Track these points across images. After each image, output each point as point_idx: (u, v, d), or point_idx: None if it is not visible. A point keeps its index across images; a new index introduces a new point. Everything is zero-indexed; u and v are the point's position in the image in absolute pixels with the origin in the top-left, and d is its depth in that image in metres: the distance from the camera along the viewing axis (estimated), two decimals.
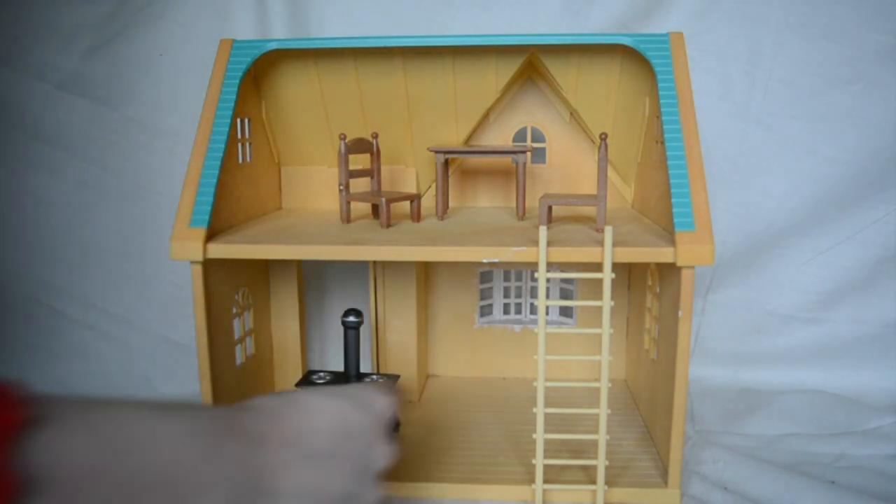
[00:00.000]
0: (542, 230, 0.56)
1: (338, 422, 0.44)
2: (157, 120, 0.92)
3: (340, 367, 0.70)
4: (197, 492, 0.36)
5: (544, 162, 0.82)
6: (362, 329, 0.70)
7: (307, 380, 0.69)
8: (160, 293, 0.94)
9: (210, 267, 0.61)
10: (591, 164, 0.81)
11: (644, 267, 0.73)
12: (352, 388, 0.48)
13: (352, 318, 0.67)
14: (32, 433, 0.30)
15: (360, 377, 0.69)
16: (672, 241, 0.57)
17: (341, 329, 0.69)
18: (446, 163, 0.71)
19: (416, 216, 0.71)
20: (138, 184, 0.94)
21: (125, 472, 0.33)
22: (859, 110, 0.86)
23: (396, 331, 0.80)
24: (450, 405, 0.79)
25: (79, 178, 0.94)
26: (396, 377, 0.71)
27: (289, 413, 0.43)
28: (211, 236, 0.61)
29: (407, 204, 0.72)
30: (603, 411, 0.58)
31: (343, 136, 0.68)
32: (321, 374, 0.70)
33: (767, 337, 0.90)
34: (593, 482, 0.59)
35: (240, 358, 0.71)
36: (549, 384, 0.58)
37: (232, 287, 0.69)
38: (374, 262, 0.78)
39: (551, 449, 0.62)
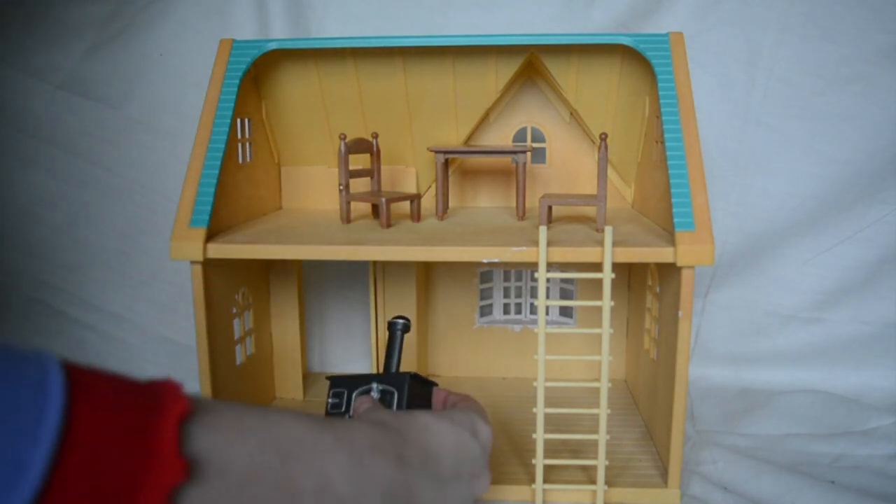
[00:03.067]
0: (542, 230, 0.56)
1: (454, 447, 0.45)
2: (158, 120, 0.92)
3: (341, 369, 0.70)
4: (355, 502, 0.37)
5: (544, 162, 0.82)
6: (362, 329, 0.70)
7: (355, 385, 0.65)
8: (160, 293, 0.94)
9: (210, 267, 0.61)
10: (591, 164, 0.81)
11: (644, 267, 0.73)
12: (459, 415, 0.49)
13: (402, 321, 0.66)
14: (197, 425, 0.30)
15: (398, 378, 0.66)
16: (672, 241, 0.57)
17: (341, 329, 0.69)
18: (446, 163, 0.71)
19: (416, 216, 0.71)
20: (138, 184, 0.94)
21: (283, 476, 0.34)
22: (859, 110, 0.86)
23: None
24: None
25: (79, 178, 0.94)
26: (434, 384, 0.69)
27: (415, 434, 0.44)
28: (211, 236, 0.61)
29: (407, 204, 0.72)
30: (603, 411, 0.58)
31: (343, 136, 0.68)
32: (374, 383, 0.67)
33: (767, 337, 0.90)
34: (593, 482, 0.59)
35: (240, 358, 0.71)
36: (549, 384, 0.58)
37: (232, 287, 0.69)
38: (374, 262, 0.78)
39: (551, 449, 0.62)
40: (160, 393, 0.30)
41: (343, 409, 0.64)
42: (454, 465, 0.45)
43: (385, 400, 0.62)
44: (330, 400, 0.66)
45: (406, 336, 0.80)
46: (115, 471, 0.26)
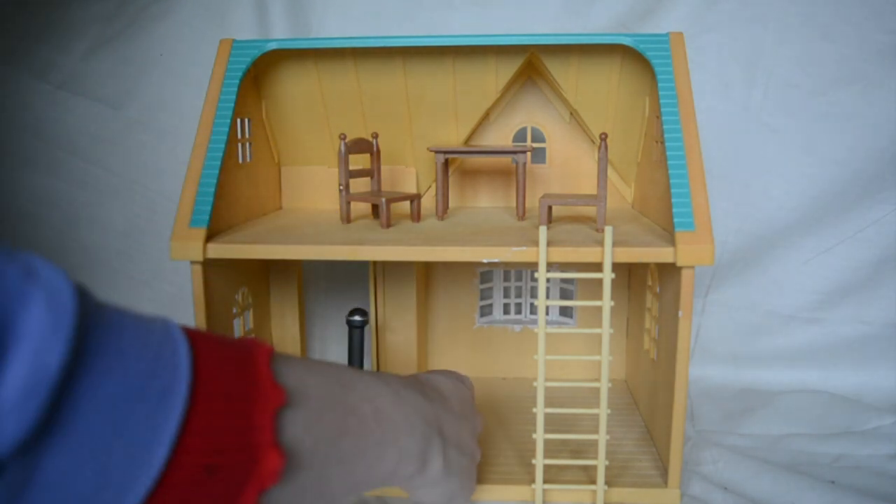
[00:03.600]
0: (542, 230, 0.56)
1: (454, 389, 0.54)
2: (158, 120, 0.92)
3: None
4: (399, 424, 0.45)
5: (544, 162, 0.82)
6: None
7: None
8: (160, 293, 0.94)
9: (210, 267, 0.61)
10: (591, 164, 0.81)
11: (644, 267, 0.73)
12: (443, 371, 0.57)
13: (357, 318, 0.68)
14: (279, 364, 0.37)
15: None
16: (672, 241, 0.57)
17: (341, 329, 0.69)
18: (446, 163, 0.71)
19: (416, 216, 0.71)
20: (138, 184, 0.94)
21: (350, 401, 0.42)
22: (859, 110, 0.86)
23: (396, 331, 0.80)
24: None
25: (79, 178, 0.94)
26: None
27: (432, 382, 0.53)
28: (211, 236, 0.61)
29: (407, 204, 0.72)
30: (603, 411, 0.58)
31: (343, 136, 0.68)
32: None
33: (767, 337, 0.90)
34: (593, 482, 0.59)
35: None
36: (549, 384, 0.58)
37: (232, 287, 0.69)
38: (374, 262, 0.78)
39: (551, 449, 0.62)
40: (249, 344, 0.37)
41: None
42: (460, 405, 0.53)
43: None
44: None
45: (406, 336, 0.80)
46: (234, 398, 0.33)
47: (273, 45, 0.69)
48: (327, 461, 0.38)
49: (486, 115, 0.80)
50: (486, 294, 0.87)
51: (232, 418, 0.32)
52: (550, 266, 0.59)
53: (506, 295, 0.87)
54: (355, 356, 0.69)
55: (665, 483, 0.60)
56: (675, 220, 0.57)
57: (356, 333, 0.68)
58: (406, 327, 0.79)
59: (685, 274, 0.56)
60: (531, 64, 0.76)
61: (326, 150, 0.80)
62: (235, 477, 0.32)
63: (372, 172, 0.73)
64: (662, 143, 0.62)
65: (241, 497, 0.32)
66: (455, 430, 0.50)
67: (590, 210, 0.74)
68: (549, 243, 0.57)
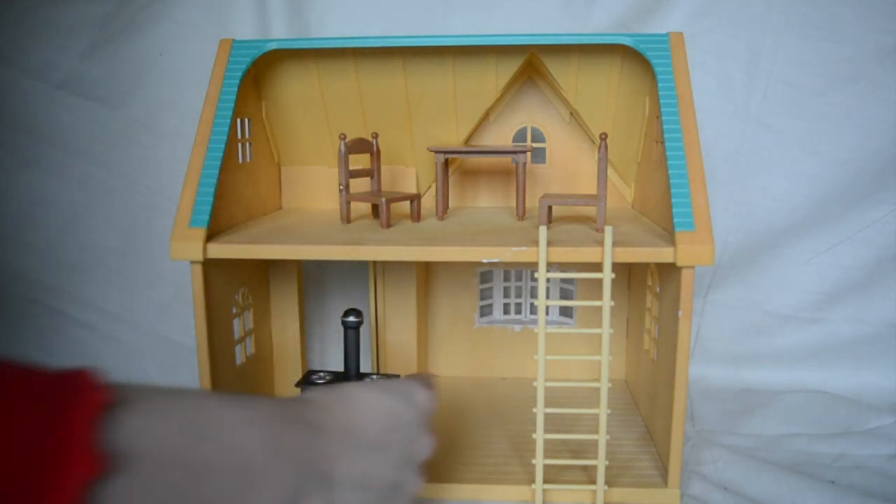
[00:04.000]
0: (542, 230, 0.56)
1: (385, 415, 0.46)
2: (157, 120, 0.92)
3: (340, 367, 0.71)
4: (266, 476, 0.38)
5: (544, 162, 0.82)
6: (362, 329, 0.70)
7: (307, 380, 0.69)
8: (160, 293, 0.94)
9: (210, 267, 0.61)
10: (591, 164, 0.81)
11: (644, 267, 0.73)
12: (396, 384, 0.50)
13: (352, 318, 0.68)
14: (115, 414, 0.31)
15: (359, 377, 0.69)
16: (672, 241, 0.57)
17: (341, 329, 0.69)
18: (446, 163, 0.71)
19: (416, 216, 0.71)
20: (138, 184, 0.93)
21: (202, 455, 0.35)
22: (859, 110, 0.86)
23: (396, 331, 0.80)
24: (450, 405, 0.78)
25: (79, 178, 0.94)
26: (396, 377, 0.71)
27: (342, 406, 0.45)
28: (211, 236, 0.61)
29: (407, 204, 0.72)
30: (603, 411, 0.58)
31: (343, 136, 0.68)
32: (321, 373, 0.70)
33: (767, 337, 0.90)
34: (593, 482, 0.59)
35: (240, 358, 0.71)
36: (549, 384, 0.58)
37: (232, 287, 0.69)
38: (374, 262, 0.78)
39: (551, 449, 0.62)
40: (73, 385, 0.30)
41: None
42: (383, 432, 0.46)
43: None
44: None
45: (406, 336, 0.81)
46: (25, 469, 0.26)
47: (273, 45, 0.69)
48: None
49: (486, 115, 0.80)
50: (486, 294, 0.87)
51: (22, 497, 0.26)
52: (550, 266, 0.59)
53: (506, 295, 0.87)
54: (351, 357, 0.69)
55: (665, 483, 0.60)
56: (675, 220, 0.57)
57: (351, 334, 0.68)
58: (406, 327, 0.79)
59: (685, 274, 0.56)
60: (531, 64, 0.76)
61: (326, 150, 0.80)
62: None
63: (372, 172, 0.73)
64: (662, 143, 0.62)
65: None
66: (355, 467, 0.43)
67: (590, 210, 0.74)
68: (549, 243, 0.57)
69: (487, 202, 0.83)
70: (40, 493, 0.27)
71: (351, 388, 0.47)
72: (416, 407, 0.48)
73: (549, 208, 0.65)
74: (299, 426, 0.42)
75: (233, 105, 0.66)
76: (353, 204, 0.70)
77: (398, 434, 0.46)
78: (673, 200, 0.58)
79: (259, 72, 0.73)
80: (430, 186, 0.81)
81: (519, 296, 0.87)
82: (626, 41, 0.67)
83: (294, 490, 0.40)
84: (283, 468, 0.39)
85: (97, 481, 0.29)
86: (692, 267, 0.56)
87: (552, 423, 0.61)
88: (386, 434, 0.46)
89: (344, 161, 0.68)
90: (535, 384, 0.58)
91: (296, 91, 0.75)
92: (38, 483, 0.27)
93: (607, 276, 0.56)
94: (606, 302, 0.57)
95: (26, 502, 0.26)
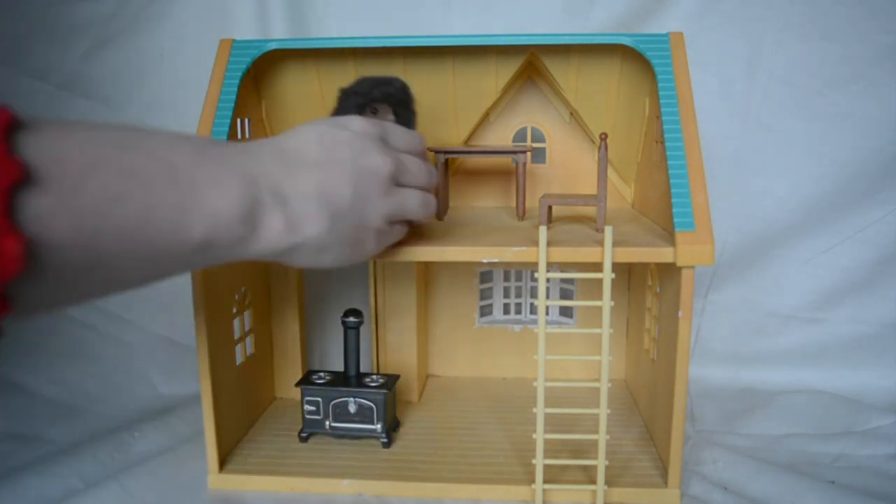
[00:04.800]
0: (542, 230, 0.56)
1: (318, 136, 0.47)
2: (157, 120, 0.92)
3: (340, 367, 0.71)
4: (207, 183, 0.38)
5: (544, 162, 0.82)
6: (362, 329, 0.70)
7: (307, 380, 0.69)
8: (160, 293, 0.93)
9: (210, 267, 0.61)
10: (591, 164, 0.81)
11: (644, 267, 0.73)
12: (331, 119, 0.50)
13: (352, 319, 0.68)
14: (30, 132, 0.31)
15: (360, 377, 0.69)
16: (672, 241, 0.57)
17: (341, 329, 0.69)
18: (446, 163, 0.71)
19: None
20: None
21: (127, 161, 0.34)
22: (859, 110, 0.86)
23: (396, 331, 0.80)
24: (450, 405, 0.79)
25: None
26: (396, 377, 0.71)
27: (269, 138, 0.47)
28: None
29: None
30: (603, 411, 0.58)
31: None
32: (321, 373, 0.70)
33: (767, 337, 0.90)
34: (593, 482, 0.59)
35: (240, 358, 0.71)
36: (549, 384, 0.58)
37: (232, 287, 0.69)
38: (374, 262, 0.78)
39: (551, 449, 0.62)
40: None
41: (321, 417, 0.67)
42: (320, 149, 0.46)
43: (363, 414, 0.66)
44: (306, 407, 0.68)
45: (406, 336, 0.81)
46: None
47: (273, 45, 0.69)
48: (99, 237, 0.33)
49: (486, 115, 0.80)
50: (486, 294, 0.87)
51: None
52: (550, 266, 0.59)
53: (506, 295, 0.87)
54: (350, 357, 0.69)
55: (665, 483, 0.60)
56: (675, 220, 0.57)
57: (351, 334, 0.69)
58: (406, 327, 0.79)
59: (685, 274, 0.56)
60: (531, 64, 0.76)
61: None
62: None
63: None
64: (662, 143, 0.62)
65: None
66: (305, 182, 0.44)
67: (590, 210, 0.74)
68: (549, 243, 0.57)
69: (487, 202, 0.83)
70: None
71: (290, 129, 0.48)
72: (353, 129, 0.48)
73: (549, 208, 0.65)
74: (227, 145, 0.42)
75: (233, 105, 0.66)
76: None
77: (340, 150, 0.46)
78: (673, 200, 0.58)
79: (259, 72, 0.73)
80: None
81: (519, 296, 0.87)
82: (626, 41, 0.67)
83: (247, 198, 0.40)
84: (224, 174, 0.39)
85: (20, 188, 0.29)
86: (692, 267, 0.56)
87: (552, 423, 0.61)
88: (325, 150, 0.46)
89: None
90: (535, 384, 0.58)
91: (296, 91, 0.75)
92: None
93: (607, 276, 0.56)
94: (606, 302, 0.57)
95: None
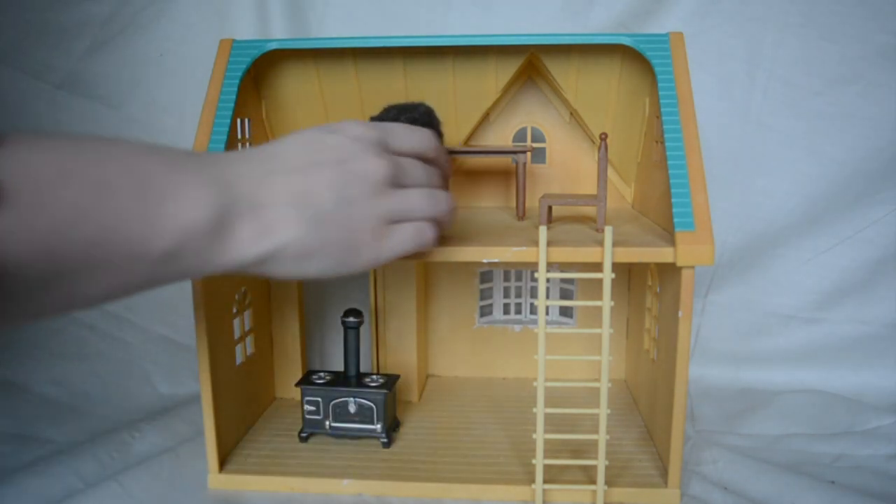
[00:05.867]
0: (542, 230, 0.56)
1: (305, 141, 0.46)
2: (157, 120, 0.92)
3: (340, 367, 0.71)
4: (177, 191, 0.37)
5: (544, 162, 0.82)
6: (362, 329, 0.70)
7: (307, 380, 0.69)
8: (160, 293, 0.93)
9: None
10: (591, 164, 0.81)
11: (644, 267, 0.73)
12: (325, 126, 0.50)
13: (352, 319, 0.68)
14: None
15: (360, 377, 0.69)
16: (672, 241, 0.57)
17: (341, 329, 0.69)
18: None
19: None
20: None
21: (97, 174, 0.34)
22: (859, 110, 0.86)
23: (396, 331, 0.80)
24: (450, 405, 0.79)
25: None
26: (396, 377, 0.71)
27: (253, 147, 0.46)
28: None
29: None
30: (603, 411, 0.58)
31: None
32: (321, 373, 0.70)
33: (767, 337, 0.90)
34: (593, 482, 0.59)
35: (240, 358, 0.71)
36: (549, 384, 0.58)
37: (232, 287, 0.69)
38: None
39: (551, 449, 0.62)
40: None
41: (321, 417, 0.67)
42: (306, 154, 0.45)
43: (363, 414, 0.66)
44: (306, 407, 0.68)
45: (406, 336, 0.81)
46: None
47: (273, 45, 0.69)
48: (61, 252, 0.32)
49: (486, 115, 0.80)
50: (486, 294, 0.87)
51: None
52: (550, 266, 0.59)
53: (506, 295, 0.87)
54: (350, 357, 0.69)
55: (665, 483, 0.60)
56: (675, 220, 0.57)
57: (351, 334, 0.69)
58: (406, 327, 0.79)
59: (685, 274, 0.56)
60: (531, 64, 0.76)
61: None
62: None
63: None
64: (662, 143, 0.62)
65: None
66: (284, 188, 0.43)
67: (590, 210, 0.74)
68: (549, 243, 0.57)
69: (487, 202, 0.83)
70: None
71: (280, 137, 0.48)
72: (348, 134, 0.47)
73: (549, 208, 0.65)
74: (205, 155, 0.42)
75: (233, 105, 0.66)
76: None
77: (324, 154, 0.45)
78: (673, 200, 0.58)
79: (259, 72, 0.73)
80: None
81: (519, 296, 0.87)
82: (626, 41, 0.67)
83: (217, 206, 0.39)
84: (193, 182, 0.38)
85: None
86: (692, 267, 0.56)
87: (552, 423, 0.61)
88: (308, 155, 0.45)
89: None
90: (535, 384, 0.58)
91: (296, 91, 0.75)
92: None
93: (607, 276, 0.56)
94: (606, 302, 0.57)
95: None
